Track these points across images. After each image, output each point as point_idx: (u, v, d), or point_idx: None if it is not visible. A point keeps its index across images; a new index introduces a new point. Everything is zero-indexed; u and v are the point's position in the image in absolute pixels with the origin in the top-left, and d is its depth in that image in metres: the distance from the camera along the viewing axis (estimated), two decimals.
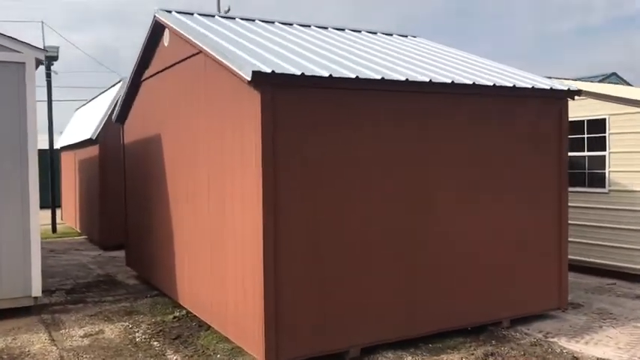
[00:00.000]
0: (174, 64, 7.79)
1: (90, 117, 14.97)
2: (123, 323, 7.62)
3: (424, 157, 6.41)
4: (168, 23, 7.56)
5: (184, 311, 7.96)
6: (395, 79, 6.06)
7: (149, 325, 7.52)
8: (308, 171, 5.75)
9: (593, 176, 9.67)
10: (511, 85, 6.78)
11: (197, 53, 6.94)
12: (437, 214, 6.48)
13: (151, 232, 9.16)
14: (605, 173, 9.51)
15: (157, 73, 8.57)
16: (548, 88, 7.07)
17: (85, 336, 7.14)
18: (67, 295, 9.35)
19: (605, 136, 9.49)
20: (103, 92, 16.45)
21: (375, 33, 9.43)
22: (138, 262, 10.17)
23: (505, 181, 6.92)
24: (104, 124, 13.56)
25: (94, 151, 13.96)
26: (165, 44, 8.15)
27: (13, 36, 7.85)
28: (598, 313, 7.62)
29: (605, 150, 9.50)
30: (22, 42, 7.90)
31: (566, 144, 7.34)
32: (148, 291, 9.38)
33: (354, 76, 5.79)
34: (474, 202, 6.71)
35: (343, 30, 9.14)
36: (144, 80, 9.23)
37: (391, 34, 9.64)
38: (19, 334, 7.26)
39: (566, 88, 7.20)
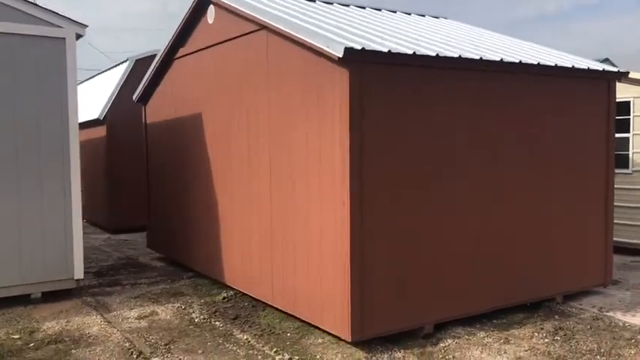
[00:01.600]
0: (223, 42, 7.65)
1: (93, 97, 14.57)
2: (173, 304, 7.53)
3: (498, 138, 6.51)
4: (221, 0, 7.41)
5: (232, 292, 7.91)
6: (490, 59, 6.20)
7: (201, 305, 7.45)
8: (391, 151, 5.77)
9: (618, 158, 9.93)
10: (570, 65, 6.91)
11: (257, 30, 6.83)
12: (504, 193, 6.59)
13: (185, 213, 9.03)
14: (629, 154, 9.78)
15: (197, 51, 8.40)
16: (601, 69, 7.23)
17: (140, 317, 7.04)
18: (97, 277, 9.17)
19: (629, 119, 9.75)
20: (102, 72, 16.03)
21: (409, 14, 9.44)
22: (164, 244, 10.03)
23: (563, 162, 7.07)
24: (112, 103, 13.23)
25: (99, 132, 13.62)
26: (210, 21, 8.00)
27: (54, 10, 7.58)
28: (638, 288, 7.88)
29: (629, 132, 9.77)
30: (62, 16, 7.64)
31: (614, 126, 7.53)
32: (181, 272, 9.27)
33: (456, 54, 5.89)
34: (537, 182, 6.84)
35: (380, 10, 9.13)
36: (177, 58, 9.04)
37: (424, 15, 9.66)
38: (70, 316, 7.11)
39: (616, 70, 7.37)
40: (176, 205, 9.39)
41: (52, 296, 7.77)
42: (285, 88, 6.42)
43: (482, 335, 6.15)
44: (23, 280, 7.54)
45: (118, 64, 14.34)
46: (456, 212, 6.27)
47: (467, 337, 6.13)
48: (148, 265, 10.10)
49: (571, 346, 5.80)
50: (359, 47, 5.35)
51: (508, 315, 6.75)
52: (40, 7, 7.48)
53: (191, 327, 6.67)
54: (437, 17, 9.82)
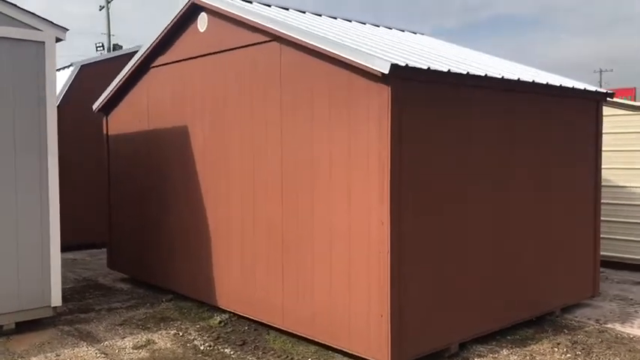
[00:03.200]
0: (220, 52, 7.27)
1: None
2: (166, 331, 7.02)
3: (510, 158, 6.61)
4: (221, 7, 7.03)
5: (225, 315, 7.49)
6: (511, 78, 6.31)
7: (198, 331, 6.99)
8: (423, 171, 5.68)
9: None
10: (571, 86, 7.14)
11: (267, 41, 6.54)
12: (516, 212, 6.68)
13: (163, 232, 8.49)
14: None
15: (182, 60, 7.94)
16: (594, 90, 7.53)
17: (137, 347, 6.49)
18: (63, 303, 8.39)
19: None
20: None
21: (390, 28, 9.44)
22: (130, 265, 9.37)
23: (561, 180, 7.27)
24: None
25: None
26: (201, 29, 7.58)
27: (33, 12, 6.89)
28: (620, 299, 8.25)
29: None
30: (42, 18, 6.96)
31: (601, 144, 7.85)
32: (157, 295, 8.68)
33: (482, 73, 5.88)
34: (542, 199, 7.00)
35: (378, 26, 9.10)
36: (155, 67, 8.51)
37: (403, 30, 9.70)
38: (56, 348, 6.44)
39: (604, 91, 7.71)
40: (149, 223, 8.81)
41: (25, 326, 7.01)
42: (304, 103, 6.17)
43: (506, 353, 6.17)
44: None
45: (60, 69, 13.35)
46: (478, 232, 6.28)
47: (491, 355, 6.12)
48: (113, 287, 9.39)
49: None
50: (403, 64, 5.23)
51: (517, 331, 6.82)
52: (19, 7, 6.78)
53: (200, 356, 6.23)
54: (415, 33, 9.89)
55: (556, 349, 6.24)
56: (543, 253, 7.06)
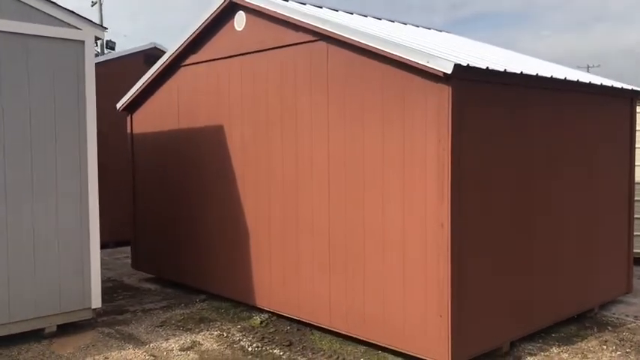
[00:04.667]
0: (260, 51, 7.22)
1: None
2: (209, 332, 6.99)
3: (558, 157, 6.66)
4: (263, 6, 6.98)
5: (264, 314, 7.47)
6: (559, 78, 6.36)
7: (241, 332, 6.97)
8: (482, 173, 5.70)
9: None
10: (610, 85, 7.20)
11: (314, 40, 6.51)
12: (564, 211, 6.74)
13: (196, 232, 8.44)
14: None
15: (217, 59, 7.89)
16: (630, 88, 7.59)
17: (184, 349, 6.46)
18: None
19: None
20: None
21: (417, 26, 9.44)
22: (157, 265, 9.31)
23: (600, 178, 7.33)
24: None
25: None
26: (238, 29, 7.53)
27: (73, 10, 6.80)
28: None
29: None
30: (82, 17, 6.88)
31: (635, 141, 7.92)
32: (189, 295, 8.63)
33: (534, 73, 5.93)
34: (585, 197, 7.05)
35: (393, 21, 9.07)
36: (185, 66, 8.44)
37: (429, 29, 9.70)
38: (103, 351, 6.39)
39: (638, 89, 7.78)
40: (180, 223, 8.75)
41: (65, 328, 6.95)
42: (354, 103, 6.15)
43: (556, 351, 6.21)
44: (38, 313, 6.68)
45: None
46: (530, 231, 6.32)
47: (542, 353, 6.16)
48: (140, 287, 9.33)
49: None
50: (464, 63, 5.23)
51: (560, 328, 6.87)
52: (60, 6, 6.68)
53: (250, 357, 6.21)
54: (440, 31, 9.90)
55: (604, 347, 6.30)
56: (585, 251, 7.12)
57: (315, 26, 6.38)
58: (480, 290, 5.72)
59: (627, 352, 6.14)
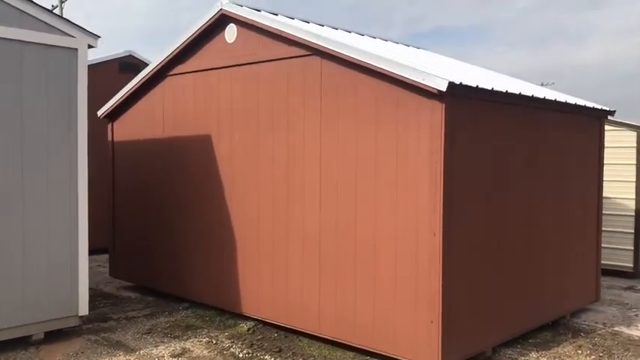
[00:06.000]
0: (249, 64, 7.40)
1: None
2: (197, 339, 7.06)
3: (534, 171, 7.02)
4: (255, 20, 7.17)
5: (251, 322, 7.60)
6: (540, 97, 6.78)
7: (230, 339, 7.07)
8: (470, 182, 6.00)
9: None
10: (582, 104, 7.64)
11: (306, 55, 6.73)
12: (539, 221, 7.11)
13: (180, 240, 8.50)
14: None
15: (204, 70, 8.02)
16: (599, 107, 8.06)
17: (175, 356, 6.53)
18: None
19: None
20: None
21: (397, 43, 9.77)
22: (137, 273, 9.30)
23: (572, 192, 7.74)
24: None
25: None
26: (229, 40, 7.69)
27: (67, 18, 6.84)
28: (617, 304, 8.81)
29: None
30: (76, 25, 6.92)
31: (603, 158, 8.39)
32: (170, 303, 8.67)
33: (517, 92, 6.25)
34: (558, 210, 7.45)
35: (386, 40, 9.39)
36: (171, 75, 8.54)
37: (408, 45, 10.04)
38: (93, 358, 6.40)
39: (607, 109, 8.26)
40: (162, 231, 8.79)
41: (52, 336, 6.91)
42: (347, 117, 6.38)
43: (535, 356, 6.53)
44: (25, 320, 6.64)
45: None
46: (512, 241, 6.66)
47: (522, 357, 6.48)
48: (120, 295, 9.30)
49: None
50: (457, 82, 5.52)
51: (537, 334, 7.21)
52: (54, 13, 6.74)
53: None
54: (418, 48, 10.25)
55: (579, 351, 6.66)
56: (559, 260, 7.50)
57: (310, 41, 6.60)
58: (467, 297, 6.00)
59: (600, 356, 6.51)
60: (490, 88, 5.97)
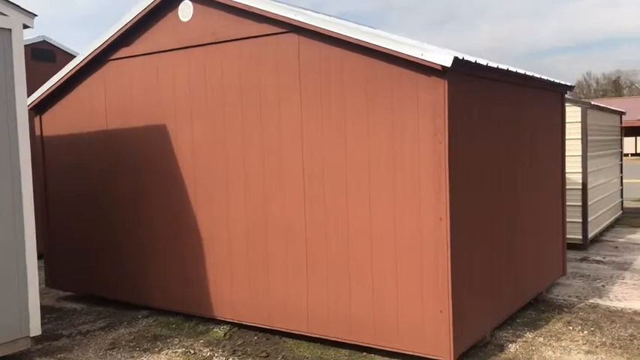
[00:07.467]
0: (213, 44, 6.73)
1: None
2: (172, 350, 6.39)
3: (518, 148, 6.88)
4: None
5: (225, 326, 7.00)
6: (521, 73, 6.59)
7: (208, 346, 6.45)
8: (470, 161, 5.73)
9: None
10: (551, 80, 7.60)
11: (281, 32, 6.18)
12: (521, 199, 6.99)
13: (134, 243, 7.70)
14: None
15: (155, 52, 7.25)
16: (563, 83, 8.08)
17: None
18: None
19: None
20: None
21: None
22: (82, 281, 8.38)
23: (545, 168, 7.72)
24: None
25: None
26: (184, 19, 6.96)
27: None
28: (580, 276, 8.96)
29: None
30: (8, 2, 5.96)
31: (565, 133, 8.44)
32: (123, 312, 7.86)
33: (505, 67, 5.98)
34: (535, 186, 7.37)
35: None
36: (115, 59, 7.67)
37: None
38: None
39: (568, 84, 8.30)
40: (111, 234, 7.94)
41: None
42: (333, 99, 5.91)
43: (530, 336, 6.42)
44: None
45: None
46: (503, 223, 6.49)
47: (520, 339, 6.34)
48: (63, 308, 8.35)
49: (612, 334, 6.38)
50: (460, 57, 5.21)
51: (521, 314, 7.13)
52: None
53: None
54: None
55: (571, 327, 6.62)
56: (537, 237, 7.46)
57: (285, 17, 6.05)
58: (470, 282, 5.75)
59: (592, 331, 6.50)
60: (485, 64, 5.71)
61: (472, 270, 5.78)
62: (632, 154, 46.29)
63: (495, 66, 5.86)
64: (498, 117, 6.40)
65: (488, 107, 6.15)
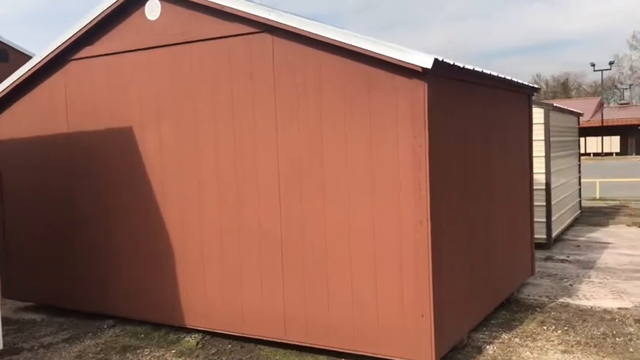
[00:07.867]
0: (181, 44, 6.52)
1: None
2: None
3: (490, 150, 6.90)
4: None
5: (197, 334, 6.79)
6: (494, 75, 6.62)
7: (180, 356, 6.25)
8: (449, 164, 5.70)
9: None
10: (521, 82, 7.67)
11: (254, 32, 6.02)
12: (494, 201, 7.00)
13: (97, 250, 7.40)
14: None
15: (120, 52, 6.98)
16: (531, 85, 8.17)
17: None
18: None
19: None
20: None
21: None
22: (41, 291, 8.01)
23: (515, 169, 7.78)
24: None
25: None
26: (152, 18, 6.72)
27: None
28: (547, 276, 9.08)
29: None
30: None
31: (532, 134, 8.54)
32: (87, 322, 7.53)
33: (480, 69, 5.99)
34: (506, 188, 7.42)
35: None
36: (77, 59, 7.36)
37: None
38: None
39: (535, 86, 8.40)
40: (72, 241, 7.61)
41: None
42: (309, 101, 5.78)
43: (507, 337, 6.43)
44: None
45: None
46: (475, 221, 6.47)
47: (496, 340, 6.35)
48: (22, 319, 7.96)
49: (585, 333, 6.46)
50: (440, 58, 5.16)
51: (495, 315, 7.15)
52: None
53: None
54: None
55: (545, 327, 6.67)
56: (508, 237, 7.51)
57: (258, 16, 5.90)
58: (450, 285, 5.71)
59: (566, 330, 6.57)
60: (462, 66, 5.68)
61: (452, 272, 5.75)
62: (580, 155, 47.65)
63: (472, 68, 5.85)
64: (474, 119, 6.41)
65: (464, 109, 6.14)
